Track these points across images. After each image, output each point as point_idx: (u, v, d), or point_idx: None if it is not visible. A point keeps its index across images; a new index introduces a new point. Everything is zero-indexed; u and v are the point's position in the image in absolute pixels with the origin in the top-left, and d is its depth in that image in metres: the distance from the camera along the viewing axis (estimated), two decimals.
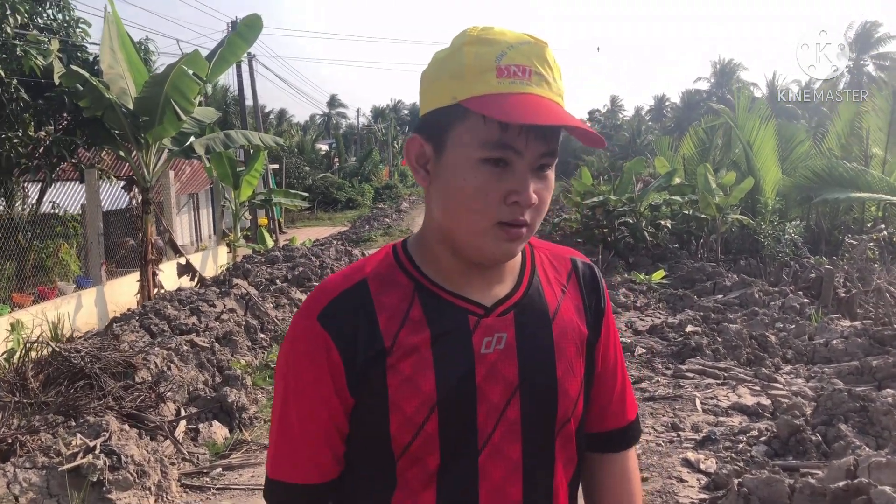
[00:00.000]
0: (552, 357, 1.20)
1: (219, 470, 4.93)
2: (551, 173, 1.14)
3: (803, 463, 4.54)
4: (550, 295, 1.25)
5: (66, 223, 12.09)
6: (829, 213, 16.25)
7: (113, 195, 13.56)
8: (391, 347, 1.13)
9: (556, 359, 1.20)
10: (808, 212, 16.15)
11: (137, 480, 4.09)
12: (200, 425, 5.40)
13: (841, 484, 3.51)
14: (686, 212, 15.95)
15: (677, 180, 16.53)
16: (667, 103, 76.47)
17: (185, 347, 6.40)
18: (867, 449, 4.41)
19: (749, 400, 6.10)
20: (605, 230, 15.77)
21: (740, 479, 3.88)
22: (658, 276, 12.56)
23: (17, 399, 4.56)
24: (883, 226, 15.32)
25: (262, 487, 1.25)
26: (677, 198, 15.83)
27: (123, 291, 11.66)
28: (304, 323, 1.15)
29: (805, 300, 10.28)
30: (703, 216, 15.07)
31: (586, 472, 1.33)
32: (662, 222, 15.53)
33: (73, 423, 4.44)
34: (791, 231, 14.56)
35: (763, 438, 5.04)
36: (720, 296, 11.18)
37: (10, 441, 4.08)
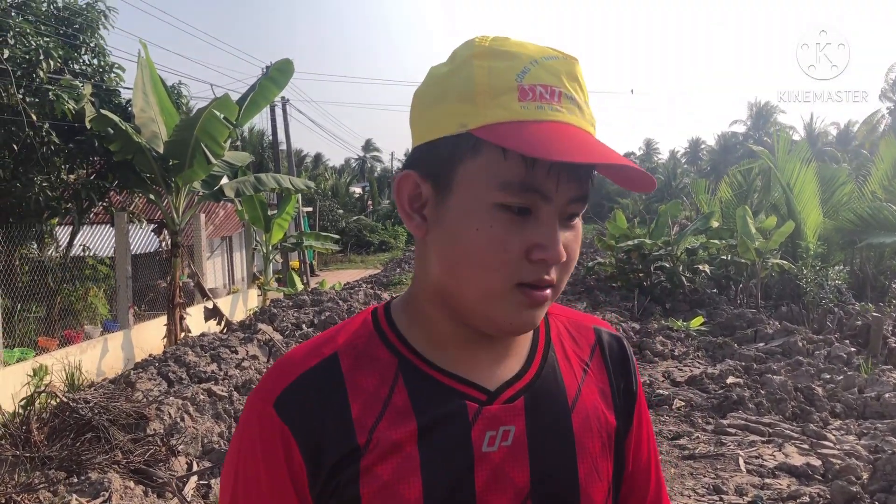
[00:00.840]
0: (573, 456, 0.94)
1: None
2: (580, 222, 0.89)
3: None
4: (569, 375, 0.99)
5: (95, 266, 12.10)
6: (874, 258, 15.69)
7: (143, 238, 13.58)
8: (366, 445, 0.87)
9: (578, 458, 0.94)
10: (851, 256, 15.62)
11: None
12: (213, 481, 5.13)
13: None
14: (724, 256, 15.53)
15: (715, 224, 16.14)
16: (702, 146, 76.00)
17: (201, 397, 6.18)
18: None
19: (797, 460, 5.69)
20: (640, 274, 15.42)
21: None
22: (696, 322, 12.13)
23: (17, 453, 4.35)
24: None
25: None
26: (715, 241, 15.44)
27: (150, 335, 11.56)
28: (259, 409, 0.90)
29: (852, 349, 9.80)
30: (742, 260, 14.63)
31: None
32: (700, 266, 15.13)
33: (75, 480, 4.22)
34: (834, 276, 14.07)
35: None
36: (761, 344, 10.73)
37: (4, 500, 3.86)
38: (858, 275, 15.41)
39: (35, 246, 11.11)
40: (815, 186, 15.39)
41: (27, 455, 4.41)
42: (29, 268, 10.27)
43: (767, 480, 5.31)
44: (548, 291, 0.87)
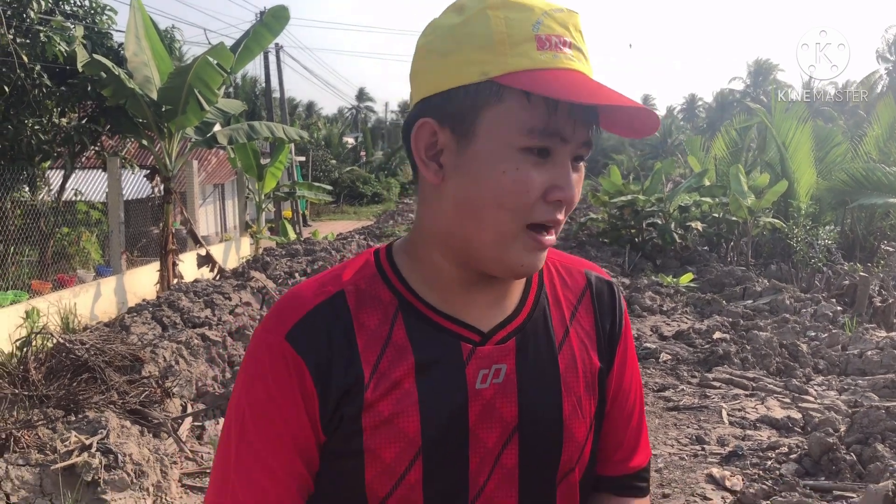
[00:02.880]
0: (558, 394, 0.99)
1: None
2: (583, 165, 0.94)
3: (836, 484, 4.27)
4: (558, 318, 1.04)
5: (87, 211, 12.07)
6: (864, 219, 15.79)
7: (136, 184, 13.53)
8: (370, 377, 0.92)
9: (563, 396, 1.00)
10: (842, 216, 15.72)
11: (135, 480, 3.92)
12: (207, 422, 5.24)
13: None
14: (716, 214, 15.60)
15: (708, 182, 16.18)
16: (699, 103, 75.62)
17: (196, 341, 6.25)
18: None
19: (778, 413, 5.83)
20: (632, 231, 15.50)
21: (769, 502, 3.63)
22: (686, 279, 12.25)
23: (16, 391, 4.42)
24: None
25: None
26: (708, 199, 15.48)
27: (143, 281, 11.60)
28: (271, 341, 0.94)
29: (838, 308, 9.94)
30: (734, 219, 14.71)
31: None
32: (692, 224, 15.21)
33: (73, 419, 4.30)
34: (825, 236, 14.16)
35: (793, 456, 4.78)
36: (750, 301, 10.86)
37: (4, 436, 3.94)
38: (849, 235, 15.53)
39: (27, 189, 11.05)
40: (810, 146, 15.39)
41: (25, 393, 4.48)
42: (21, 211, 10.23)
43: (749, 432, 5.44)
44: (552, 237, 0.92)
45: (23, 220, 10.05)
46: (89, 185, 12.62)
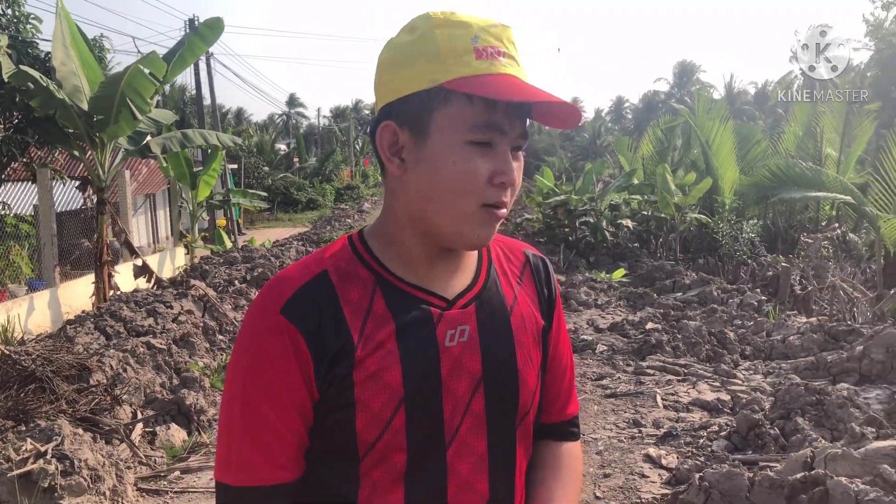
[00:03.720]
0: (513, 348, 1.18)
1: (177, 473, 4.82)
2: (522, 155, 1.13)
3: (762, 456, 4.59)
4: (507, 287, 1.23)
5: (16, 225, 11.79)
6: (785, 212, 16.55)
7: (67, 196, 13.25)
8: (358, 340, 1.09)
9: (517, 350, 1.19)
10: (764, 211, 16.43)
11: (91, 485, 3.97)
12: (157, 428, 5.27)
13: (798, 476, 3.55)
14: (645, 212, 16.13)
15: (636, 180, 16.70)
16: (626, 104, 77.34)
17: (141, 349, 6.25)
18: (823, 441, 4.47)
19: (709, 396, 6.16)
20: (566, 229, 15.88)
21: (701, 474, 3.90)
22: (618, 274, 12.66)
23: None
24: (837, 224, 15.65)
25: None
26: (637, 197, 15.98)
27: (78, 294, 11.39)
28: (266, 316, 1.09)
29: (762, 297, 10.45)
30: (662, 216, 15.24)
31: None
32: (623, 222, 15.69)
33: (24, 428, 4.31)
34: (748, 230, 14.80)
35: (723, 433, 5.10)
36: (679, 293, 11.31)
37: None
38: (771, 228, 16.24)
39: None
40: (733, 144, 16.04)
41: None
42: None
43: (682, 414, 5.75)
44: (504, 211, 1.11)
45: None
46: (17, 197, 12.33)
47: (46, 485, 3.78)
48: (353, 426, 1.08)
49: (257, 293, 1.16)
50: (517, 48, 1.10)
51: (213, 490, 3.73)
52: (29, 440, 4.05)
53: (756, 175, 15.14)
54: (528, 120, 1.11)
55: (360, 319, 1.10)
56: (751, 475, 3.78)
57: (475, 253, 1.22)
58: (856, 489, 3.25)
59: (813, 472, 3.51)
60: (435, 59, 1.05)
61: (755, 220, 16.05)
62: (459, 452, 1.13)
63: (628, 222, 15.71)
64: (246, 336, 1.11)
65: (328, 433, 1.11)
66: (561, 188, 17.46)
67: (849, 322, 8.63)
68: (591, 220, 15.47)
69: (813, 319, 9.18)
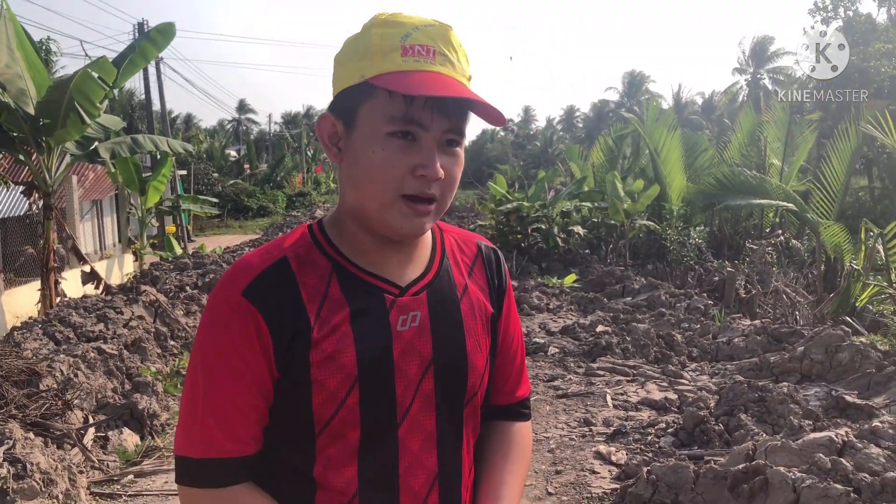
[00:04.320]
0: (462, 334, 1.26)
1: (130, 477, 4.79)
2: (460, 151, 1.19)
3: (707, 451, 4.75)
4: (458, 276, 1.31)
5: None
6: (730, 219, 16.99)
7: (11, 201, 12.97)
8: (315, 322, 1.15)
9: (466, 336, 1.27)
10: (711, 218, 16.84)
11: (44, 489, 3.93)
12: (110, 433, 5.23)
13: (740, 466, 3.70)
14: (596, 218, 16.40)
15: (587, 188, 16.98)
16: (577, 113, 78.36)
17: (92, 354, 6.18)
18: (765, 435, 4.65)
19: (657, 395, 6.33)
20: (518, 236, 16.06)
21: (649, 468, 4.03)
22: (570, 279, 12.87)
23: None
24: (780, 231, 16.12)
25: (178, 480, 1.18)
26: (587, 204, 16.24)
27: (23, 301, 11.16)
28: (229, 298, 1.15)
29: (709, 301, 10.72)
30: (612, 222, 15.53)
31: (479, 438, 1.37)
32: (574, 228, 15.93)
33: None
34: (695, 236, 15.16)
35: (670, 430, 5.25)
36: (629, 298, 11.54)
37: None
38: (717, 235, 16.66)
39: None
40: (680, 152, 16.44)
41: None
42: None
43: (631, 413, 5.90)
44: (431, 206, 1.17)
45: None
46: None
47: None
48: (309, 404, 1.15)
49: (220, 277, 1.22)
50: (458, 49, 1.16)
51: (168, 493, 3.78)
52: None
53: (703, 183, 15.54)
54: (464, 116, 1.17)
55: (317, 303, 1.17)
56: (696, 468, 3.92)
57: (428, 243, 1.30)
58: (793, 477, 3.40)
59: (753, 463, 3.67)
60: (365, 55, 1.14)
61: (702, 227, 16.45)
62: (410, 430, 1.20)
63: (579, 229, 15.96)
64: (209, 317, 1.18)
65: (286, 410, 1.17)
66: (513, 195, 17.66)
67: (791, 325, 8.92)
68: (543, 227, 15.68)
69: (757, 322, 9.45)
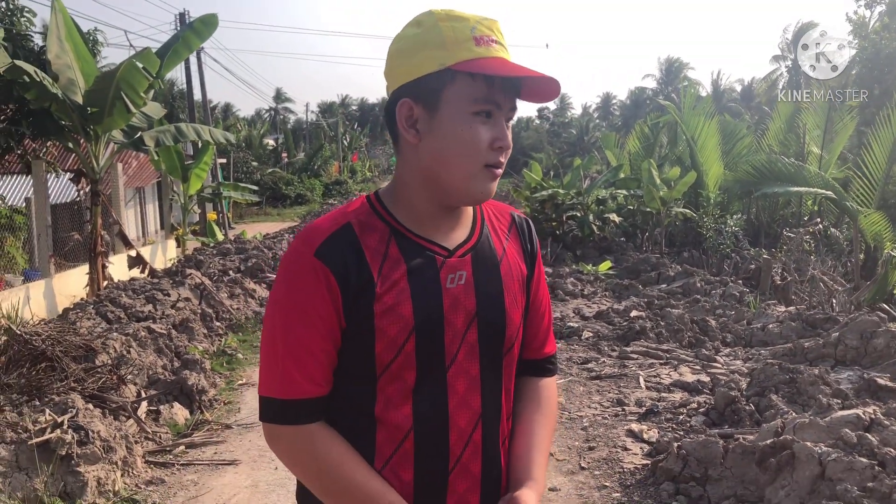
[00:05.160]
0: (501, 292, 1.45)
1: (181, 448, 5.05)
2: (511, 125, 1.40)
3: (738, 430, 4.85)
4: (497, 241, 1.50)
5: (11, 216, 11.94)
6: (768, 207, 16.87)
7: (59, 188, 13.38)
8: (377, 279, 1.33)
9: (505, 293, 1.45)
10: (748, 205, 16.74)
11: (104, 455, 4.19)
12: (161, 407, 5.49)
13: (768, 441, 3.81)
14: (631, 206, 16.39)
15: (623, 176, 16.97)
16: (614, 101, 77.75)
17: (142, 333, 6.46)
18: (794, 415, 4.74)
19: (690, 378, 6.43)
20: (553, 223, 16.11)
21: (679, 443, 4.16)
22: (605, 266, 12.92)
23: None
24: (818, 219, 15.96)
25: (262, 417, 1.36)
26: (623, 192, 16.24)
27: (72, 284, 11.56)
28: (303, 258, 1.33)
29: (745, 289, 10.72)
30: (648, 210, 15.51)
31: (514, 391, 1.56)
32: (609, 216, 15.94)
33: (38, 402, 4.51)
34: (732, 224, 15.10)
35: (702, 410, 5.36)
36: (664, 285, 11.58)
37: None
38: (754, 223, 16.56)
39: None
40: (717, 140, 16.34)
41: None
42: None
43: (663, 394, 6.01)
44: (499, 170, 1.37)
45: None
46: (9, 189, 12.47)
47: (63, 453, 4.00)
48: (372, 349, 1.34)
49: (292, 240, 1.41)
50: (505, 37, 1.37)
51: (218, 462, 4.04)
52: (47, 411, 4.27)
53: (740, 170, 15.44)
54: (517, 96, 1.38)
55: (379, 262, 1.35)
56: (725, 444, 4.04)
57: (471, 212, 1.49)
58: (819, 451, 3.51)
59: (781, 438, 3.78)
60: (441, 46, 1.31)
61: (739, 215, 16.36)
62: (457, 374, 1.39)
63: (615, 217, 15.97)
64: (285, 274, 1.37)
65: (352, 355, 1.36)
66: (548, 183, 17.70)
67: (826, 312, 8.91)
68: (579, 215, 15.72)
69: (792, 308, 9.45)
